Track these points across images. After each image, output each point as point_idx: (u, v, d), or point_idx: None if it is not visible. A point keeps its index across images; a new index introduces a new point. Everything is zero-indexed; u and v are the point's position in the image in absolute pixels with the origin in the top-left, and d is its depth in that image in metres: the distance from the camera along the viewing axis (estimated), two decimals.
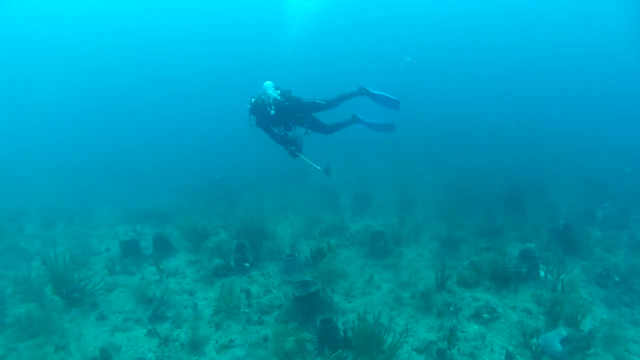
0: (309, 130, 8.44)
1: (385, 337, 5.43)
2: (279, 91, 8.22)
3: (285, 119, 8.23)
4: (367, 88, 8.46)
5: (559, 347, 5.52)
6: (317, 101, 8.36)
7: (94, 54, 44.24)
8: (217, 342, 5.95)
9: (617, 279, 7.76)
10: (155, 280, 7.90)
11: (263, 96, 8.09)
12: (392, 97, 8.45)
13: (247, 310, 6.76)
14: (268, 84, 8.25)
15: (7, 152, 27.65)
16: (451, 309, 6.75)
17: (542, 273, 7.82)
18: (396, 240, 9.89)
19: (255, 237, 9.52)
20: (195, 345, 5.81)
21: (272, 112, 7.95)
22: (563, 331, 5.79)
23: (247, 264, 8.41)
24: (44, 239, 10.75)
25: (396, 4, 43.42)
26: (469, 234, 10.34)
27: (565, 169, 18.73)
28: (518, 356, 5.55)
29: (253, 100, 8.07)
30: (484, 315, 6.54)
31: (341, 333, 5.72)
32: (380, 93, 8.48)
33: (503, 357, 5.53)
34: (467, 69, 43.65)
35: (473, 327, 6.29)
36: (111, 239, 10.90)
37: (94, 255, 9.44)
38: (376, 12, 43.75)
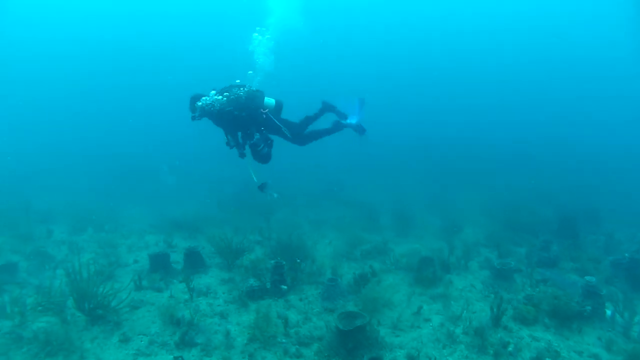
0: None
1: None
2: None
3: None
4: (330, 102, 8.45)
5: None
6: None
7: (114, 54, 45.97)
8: None
9: None
10: (184, 300, 7.80)
11: None
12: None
13: (284, 340, 6.55)
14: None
15: (39, 153, 28.97)
16: (510, 349, 6.39)
17: (608, 312, 7.38)
18: (444, 267, 9.55)
19: (293, 256, 9.36)
20: None
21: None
22: None
23: (285, 287, 8.24)
24: (71, 245, 10.91)
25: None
26: (521, 263, 10.06)
27: (615, 194, 18.48)
28: None
29: None
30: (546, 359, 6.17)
31: None
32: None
33: None
34: (501, 90, 44.94)
35: None
36: (140, 249, 11.02)
37: (121, 267, 9.48)
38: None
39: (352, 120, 8.56)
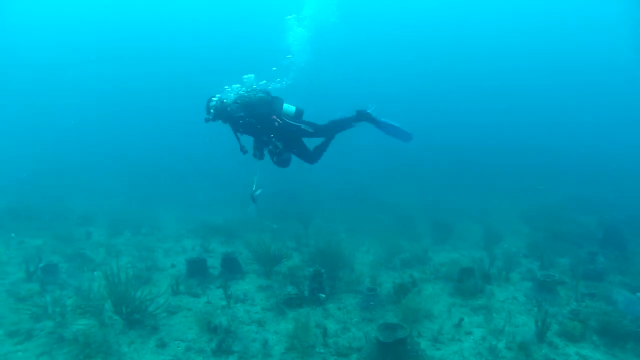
0: None
1: None
2: None
3: None
4: (369, 112, 7.96)
5: None
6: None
7: (144, 56, 47.13)
8: None
9: None
10: (221, 306, 7.83)
11: None
12: (404, 129, 7.96)
13: (322, 350, 6.48)
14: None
15: (75, 156, 29.82)
16: None
17: None
18: (485, 277, 9.33)
19: (331, 264, 9.33)
20: None
21: None
22: None
23: (323, 295, 8.19)
24: (109, 248, 11.13)
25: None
26: (565, 275, 9.75)
27: None
28: None
29: None
30: None
31: None
32: (388, 122, 7.96)
33: None
34: (536, 93, 44.54)
35: None
36: (177, 254, 11.15)
37: (158, 271, 9.59)
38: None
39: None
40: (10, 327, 6.68)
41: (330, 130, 8.04)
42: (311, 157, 8.09)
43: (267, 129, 7.57)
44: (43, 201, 16.44)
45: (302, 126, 7.71)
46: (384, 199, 19.00)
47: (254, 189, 7.71)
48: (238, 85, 7.79)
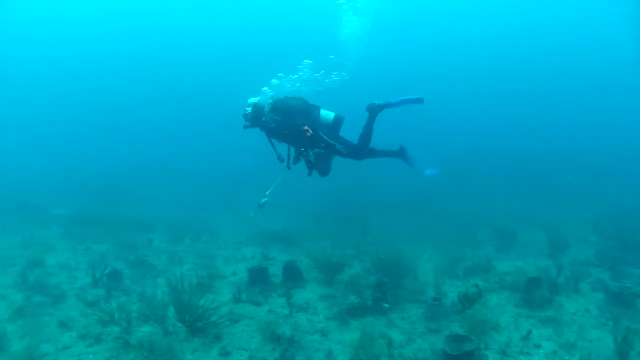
0: None
1: None
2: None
3: None
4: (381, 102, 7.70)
5: None
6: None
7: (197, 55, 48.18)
8: None
9: None
10: (284, 315, 7.84)
11: None
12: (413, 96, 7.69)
13: None
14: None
15: (134, 163, 30.89)
16: None
17: None
18: (552, 287, 8.93)
19: (394, 272, 9.20)
20: None
21: None
22: None
23: (387, 305, 8.09)
24: (171, 255, 11.43)
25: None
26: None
27: None
28: None
29: None
30: None
31: None
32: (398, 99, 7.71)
33: None
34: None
35: None
36: (237, 261, 11.29)
37: (219, 279, 9.72)
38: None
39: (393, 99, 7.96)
40: (81, 330, 6.99)
41: (363, 143, 7.93)
42: (355, 153, 7.93)
43: (300, 140, 7.53)
44: (106, 208, 17.06)
45: (337, 146, 7.61)
46: (444, 205, 18.72)
47: (266, 194, 7.72)
48: (267, 89, 7.81)
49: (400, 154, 8.03)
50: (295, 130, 7.41)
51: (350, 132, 7.73)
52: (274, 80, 8.01)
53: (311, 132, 7.37)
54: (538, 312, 8.02)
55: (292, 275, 9.51)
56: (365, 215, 16.01)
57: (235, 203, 18.56)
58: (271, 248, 12.32)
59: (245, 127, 7.80)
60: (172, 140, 39.79)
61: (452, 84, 44.17)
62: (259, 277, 9.24)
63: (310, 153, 7.54)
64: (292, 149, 7.77)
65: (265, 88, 7.82)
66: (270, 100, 7.70)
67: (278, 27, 46.66)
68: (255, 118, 7.68)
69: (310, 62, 7.72)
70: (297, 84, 7.91)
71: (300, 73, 7.83)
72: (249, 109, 7.66)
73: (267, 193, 7.74)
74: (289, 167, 7.82)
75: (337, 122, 7.73)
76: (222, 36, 48.55)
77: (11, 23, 45.18)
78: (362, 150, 7.80)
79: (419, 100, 7.85)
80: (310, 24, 37.07)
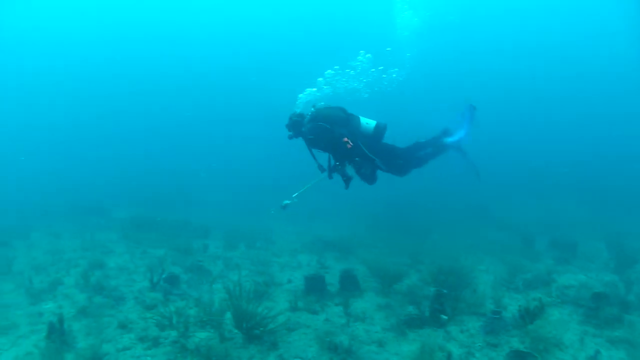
0: None
1: None
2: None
3: None
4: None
5: None
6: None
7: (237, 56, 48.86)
8: None
9: None
10: (340, 324, 7.80)
11: None
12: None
13: None
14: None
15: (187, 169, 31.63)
16: None
17: None
18: (622, 305, 8.52)
19: (452, 283, 9.01)
20: None
21: None
22: None
23: (445, 317, 7.94)
24: (226, 261, 11.61)
25: None
26: None
27: None
28: None
29: None
30: None
31: None
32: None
33: None
34: None
35: None
36: (293, 269, 11.36)
37: (275, 286, 9.78)
38: None
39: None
40: (140, 333, 7.19)
41: (411, 153, 7.90)
42: (400, 169, 7.92)
43: (339, 151, 7.48)
44: (162, 213, 17.54)
45: (377, 161, 7.57)
46: (501, 214, 18.42)
47: (293, 196, 7.70)
48: (322, 79, 7.79)
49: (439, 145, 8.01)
50: (334, 140, 7.40)
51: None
52: (328, 71, 8.01)
53: (351, 143, 7.33)
54: (606, 331, 7.66)
55: (349, 284, 9.46)
56: (421, 223, 15.86)
57: (289, 210, 18.71)
58: (326, 256, 12.32)
59: (290, 137, 7.88)
60: (226, 146, 40.46)
61: (510, 87, 43.31)
62: (315, 286, 9.25)
63: (347, 166, 7.54)
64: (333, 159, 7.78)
65: (320, 79, 7.82)
66: (312, 109, 7.74)
67: (333, 18, 46.95)
68: (296, 128, 7.76)
69: (369, 56, 7.66)
70: (353, 78, 7.87)
71: (357, 63, 7.78)
72: (292, 120, 7.77)
73: (293, 196, 7.76)
74: (330, 177, 7.83)
75: (379, 131, 7.68)
76: (277, 30, 49.05)
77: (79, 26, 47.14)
78: (406, 157, 7.82)
79: (473, 108, 7.81)
80: (366, 16, 37.07)
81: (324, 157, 7.87)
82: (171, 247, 12.72)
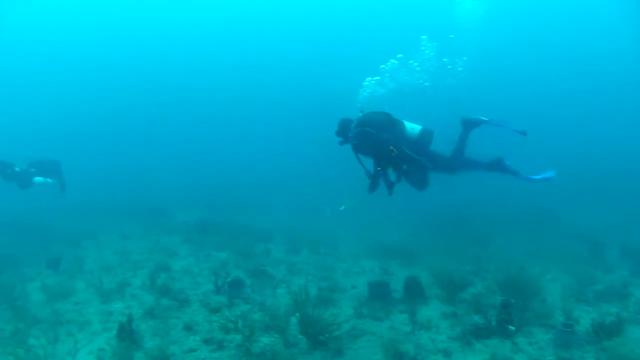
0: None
1: None
2: None
3: None
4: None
5: None
6: None
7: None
8: None
9: None
10: (405, 332, 7.70)
11: None
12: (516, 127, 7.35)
13: None
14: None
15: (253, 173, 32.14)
16: None
17: None
18: None
19: (519, 293, 8.71)
20: None
21: None
22: None
23: (513, 328, 7.69)
24: (289, 266, 11.70)
25: None
26: None
27: None
28: None
29: None
30: None
31: None
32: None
33: None
34: None
35: None
36: (357, 274, 11.29)
37: (339, 292, 9.76)
38: None
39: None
40: (205, 335, 7.33)
41: (455, 160, 7.74)
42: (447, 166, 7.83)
43: (384, 158, 7.52)
44: (225, 216, 17.93)
45: (422, 160, 7.47)
46: (567, 219, 17.83)
47: (349, 202, 7.66)
48: (384, 66, 7.76)
49: (497, 165, 7.79)
50: (379, 146, 7.43)
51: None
52: (392, 61, 7.98)
53: (396, 151, 7.35)
54: None
55: (414, 292, 9.33)
56: (484, 229, 15.52)
57: (351, 215, 18.74)
58: (390, 262, 12.22)
59: (341, 143, 7.97)
60: (287, 147, 40.89)
61: (578, 84, 41.75)
62: (380, 292, 9.18)
63: (390, 173, 7.63)
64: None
65: (382, 65, 7.81)
66: (360, 114, 7.76)
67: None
68: (344, 133, 7.85)
69: (435, 44, 7.58)
70: (417, 69, 7.82)
71: (422, 48, 7.73)
72: (341, 126, 7.88)
73: (350, 202, 7.78)
74: (376, 184, 7.90)
75: (424, 136, 7.64)
76: (339, 24, 49.21)
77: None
78: (453, 163, 7.71)
79: (521, 132, 7.55)
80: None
81: (372, 163, 7.95)
82: (234, 250, 12.95)
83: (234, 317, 7.46)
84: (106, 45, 50.48)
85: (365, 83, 8.14)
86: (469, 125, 7.83)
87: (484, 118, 7.76)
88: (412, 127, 7.66)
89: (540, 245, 13.80)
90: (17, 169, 13.32)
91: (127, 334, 7.08)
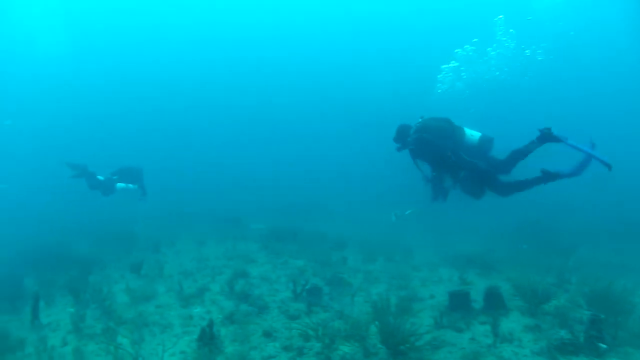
0: None
1: None
2: None
3: None
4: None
5: None
6: None
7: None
8: None
9: None
10: (487, 345, 7.54)
11: None
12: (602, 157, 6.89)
13: None
14: None
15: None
16: None
17: None
18: None
19: (608, 308, 8.36)
20: None
21: None
22: None
23: (604, 346, 7.38)
24: (366, 274, 11.73)
25: None
26: None
27: None
28: None
29: None
30: None
31: None
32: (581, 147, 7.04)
33: None
34: None
35: None
36: (434, 283, 11.18)
37: (417, 301, 9.70)
38: None
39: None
40: (284, 342, 7.50)
41: (510, 164, 7.53)
42: (503, 190, 7.68)
43: (441, 164, 7.51)
44: (297, 224, 18.22)
45: (479, 164, 7.37)
46: None
47: (412, 210, 7.62)
48: (460, 50, 7.69)
49: (549, 177, 7.50)
50: (437, 152, 7.44)
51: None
52: (467, 46, 7.92)
53: (454, 158, 7.35)
54: None
55: (494, 303, 9.14)
56: (566, 238, 14.99)
57: (426, 223, 18.60)
58: (467, 271, 12.02)
59: (398, 149, 8.04)
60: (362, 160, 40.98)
61: None
62: (459, 302, 9.05)
63: (444, 179, 7.64)
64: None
65: (457, 50, 7.78)
66: (419, 119, 7.80)
67: None
68: (402, 139, 7.91)
69: (512, 31, 7.41)
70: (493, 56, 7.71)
71: (497, 30, 7.60)
72: (400, 132, 7.96)
73: (413, 210, 7.81)
74: (434, 191, 7.96)
75: (483, 143, 7.58)
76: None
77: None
78: (508, 167, 7.56)
79: (605, 165, 7.21)
80: None
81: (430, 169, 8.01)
82: (310, 258, 13.15)
83: (315, 324, 7.58)
84: (195, 48, 52.22)
85: (440, 77, 8.15)
86: (547, 138, 7.57)
87: (568, 140, 7.47)
88: (472, 134, 7.63)
89: (629, 256, 13.18)
90: (100, 177, 14.04)
91: (208, 338, 7.35)
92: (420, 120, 7.85)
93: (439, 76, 6.94)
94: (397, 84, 42.34)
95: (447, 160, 7.37)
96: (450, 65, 6.84)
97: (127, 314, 9.02)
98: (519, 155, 7.61)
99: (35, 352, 7.31)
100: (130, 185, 14.79)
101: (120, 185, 14.47)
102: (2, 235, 18.80)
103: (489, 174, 7.59)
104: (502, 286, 10.12)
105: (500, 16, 6.95)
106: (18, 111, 44.79)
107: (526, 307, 9.12)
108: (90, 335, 8.15)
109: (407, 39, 46.23)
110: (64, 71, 46.80)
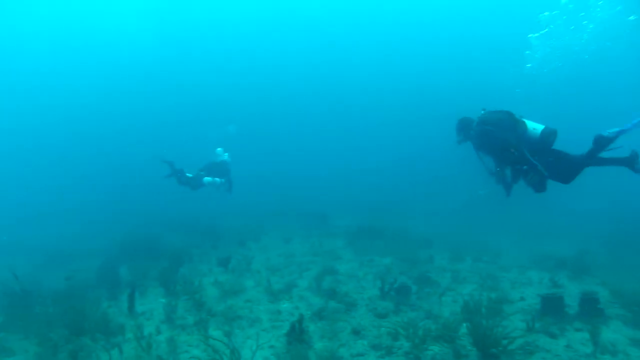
0: None
1: None
2: None
3: None
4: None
5: None
6: None
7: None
8: None
9: None
10: (585, 354, 7.30)
11: None
12: None
13: None
14: None
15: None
16: None
17: None
18: None
19: None
20: None
21: None
22: None
23: None
24: (454, 274, 11.68)
25: None
26: None
27: None
28: None
29: None
30: None
31: None
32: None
33: None
34: None
35: None
36: (524, 285, 10.97)
37: (507, 303, 9.55)
38: None
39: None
40: (373, 340, 7.65)
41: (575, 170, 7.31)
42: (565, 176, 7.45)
43: (503, 157, 7.44)
44: (383, 221, 18.32)
45: (539, 167, 7.15)
46: None
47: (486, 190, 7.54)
48: (533, 35, 7.51)
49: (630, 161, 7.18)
50: (499, 145, 7.39)
51: None
52: (544, 13, 7.71)
53: (515, 151, 7.26)
54: None
55: (591, 309, 8.84)
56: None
57: (515, 223, 18.22)
58: (558, 274, 11.69)
59: (459, 141, 8.06)
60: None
61: None
62: (552, 306, 8.84)
63: (507, 173, 7.60)
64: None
65: (530, 34, 7.65)
66: (482, 111, 7.79)
67: None
68: (465, 131, 7.94)
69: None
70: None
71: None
72: (462, 124, 7.97)
73: (488, 189, 7.79)
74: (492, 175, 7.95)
75: (546, 136, 7.37)
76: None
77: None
78: (576, 166, 7.32)
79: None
80: None
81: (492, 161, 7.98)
82: (396, 256, 13.23)
83: (404, 323, 7.70)
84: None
85: (528, 51, 8.06)
86: (603, 143, 7.33)
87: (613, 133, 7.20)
88: (534, 127, 7.46)
89: None
90: (189, 174, 14.70)
91: (297, 334, 7.62)
92: (482, 112, 7.86)
93: (529, 37, 6.75)
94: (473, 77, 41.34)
95: (510, 156, 7.33)
96: (538, 33, 6.60)
97: (217, 307, 9.48)
98: (586, 160, 7.44)
99: (134, 338, 7.83)
100: (217, 179, 15.38)
101: (207, 179, 15.08)
102: (100, 227, 20.14)
103: (547, 175, 7.49)
104: (599, 291, 9.80)
105: (582, 14, 6.68)
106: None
107: (630, 317, 8.72)
108: (183, 326, 8.66)
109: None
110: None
